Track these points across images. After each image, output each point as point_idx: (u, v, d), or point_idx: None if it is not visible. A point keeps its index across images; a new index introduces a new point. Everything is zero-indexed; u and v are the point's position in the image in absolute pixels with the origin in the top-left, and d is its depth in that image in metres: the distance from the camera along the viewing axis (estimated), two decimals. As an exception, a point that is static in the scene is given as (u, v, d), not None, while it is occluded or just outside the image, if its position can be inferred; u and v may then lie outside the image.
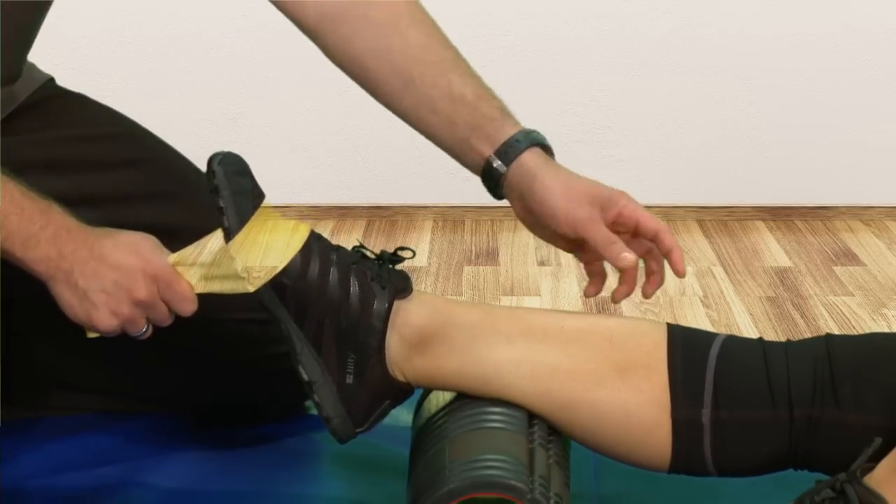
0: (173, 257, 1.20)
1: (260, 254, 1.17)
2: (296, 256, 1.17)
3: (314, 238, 1.20)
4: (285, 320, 1.18)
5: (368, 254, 1.22)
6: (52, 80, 1.51)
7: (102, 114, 1.52)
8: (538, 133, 1.28)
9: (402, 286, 1.20)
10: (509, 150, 1.26)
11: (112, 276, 1.16)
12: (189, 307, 1.20)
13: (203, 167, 1.19)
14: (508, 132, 1.27)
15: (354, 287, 1.18)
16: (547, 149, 1.28)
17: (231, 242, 1.16)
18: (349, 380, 1.18)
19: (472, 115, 1.27)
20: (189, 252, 1.21)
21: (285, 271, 1.17)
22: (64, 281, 1.16)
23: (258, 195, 1.18)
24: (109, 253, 1.16)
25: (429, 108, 1.29)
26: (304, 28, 1.36)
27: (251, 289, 1.18)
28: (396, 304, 1.20)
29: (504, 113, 1.29)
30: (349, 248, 1.23)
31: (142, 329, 1.20)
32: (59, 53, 2.69)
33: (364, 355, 1.19)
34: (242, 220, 1.16)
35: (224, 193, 1.16)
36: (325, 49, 1.35)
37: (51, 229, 1.16)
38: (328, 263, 1.18)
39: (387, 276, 1.20)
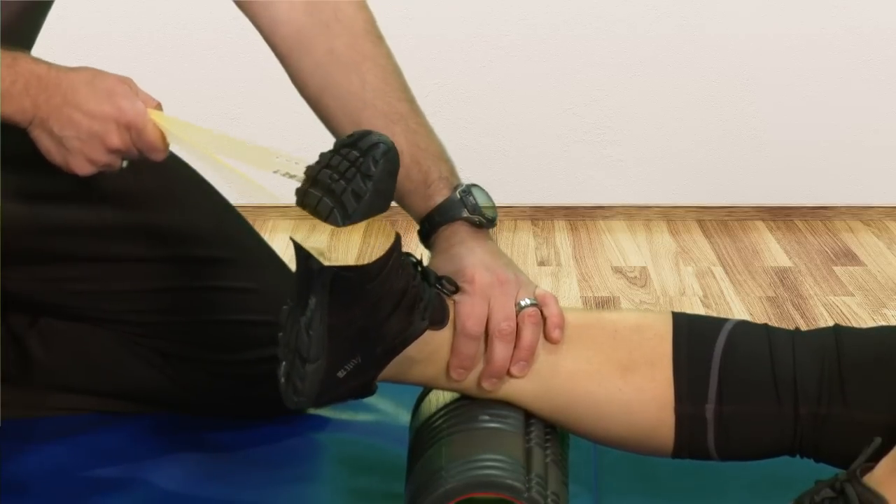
0: (155, 114, 1.18)
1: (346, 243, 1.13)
2: (374, 263, 1.11)
3: (397, 248, 1.14)
4: (320, 301, 1.11)
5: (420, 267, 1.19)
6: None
7: None
8: (458, 203, 1.26)
9: (439, 318, 1.18)
10: (422, 229, 1.28)
11: (86, 124, 1.17)
12: (159, 156, 1.20)
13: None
14: (424, 209, 1.27)
15: (402, 310, 1.14)
16: (469, 220, 1.26)
17: (341, 228, 1.13)
18: (340, 374, 1.14)
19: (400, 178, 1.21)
20: (174, 118, 1.19)
21: (364, 271, 1.11)
22: (40, 127, 1.17)
23: (388, 199, 1.15)
24: (84, 101, 1.17)
25: None
26: (275, 52, 1.37)
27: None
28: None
29: (429, 182, 1.27)
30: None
31: (118, 167, 1.21)
32: (59, 53, 2.68)
33: (368, 364, 1.15)
34: (365, 216, 1.13)
35: (369, 186, 1.12)
36: (291, 76, 1.35)
37: (21, 82, 1.17)
38: (395, 281, 1.14)
39: (431, 307, 1.17)
